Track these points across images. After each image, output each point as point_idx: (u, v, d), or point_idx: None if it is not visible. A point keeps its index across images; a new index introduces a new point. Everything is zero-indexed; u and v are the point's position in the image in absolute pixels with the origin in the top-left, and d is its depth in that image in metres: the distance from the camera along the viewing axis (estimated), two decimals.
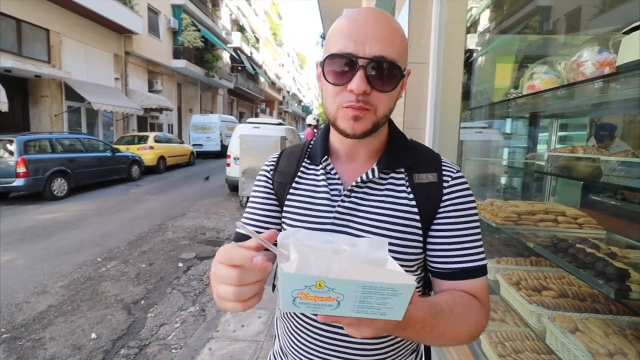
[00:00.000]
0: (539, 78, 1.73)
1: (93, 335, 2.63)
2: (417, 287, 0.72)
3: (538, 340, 1.39)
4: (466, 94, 2.67)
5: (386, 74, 0.59)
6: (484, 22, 3.55)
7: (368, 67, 0.57)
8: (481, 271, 0.63)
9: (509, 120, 3.01)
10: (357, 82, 0.57)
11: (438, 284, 0.65)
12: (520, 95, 1.88)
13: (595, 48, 1.37)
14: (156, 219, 5.91)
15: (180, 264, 4.06)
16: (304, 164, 0.74)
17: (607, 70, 1.31)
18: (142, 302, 3.18)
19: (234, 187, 7.57)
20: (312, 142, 0.77)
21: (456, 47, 2.08)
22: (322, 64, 0.61)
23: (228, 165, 7.50)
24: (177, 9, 17.26)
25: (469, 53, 2.91)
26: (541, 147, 2.48)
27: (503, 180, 2.90)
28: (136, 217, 6.00)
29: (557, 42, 2.85)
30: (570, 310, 1.29)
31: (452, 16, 2.03)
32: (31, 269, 3.77)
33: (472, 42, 3.19)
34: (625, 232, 1.60)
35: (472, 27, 3.40)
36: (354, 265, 0.39)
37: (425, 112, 2.10)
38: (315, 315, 0.41)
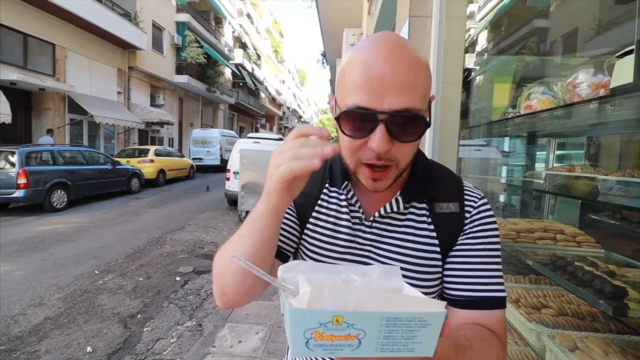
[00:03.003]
0: (536, 98, 1.77)
1: (89, 349, 2.59)
2: None
3: (538, 359, 1.39)
4: (465, 113, 2.73)
5: (409, 125, 0.53)
6: (482, 42, 3.65)
7: (389, 122, 0.52)
8: (499, 303, 0.59)
9: (507, 139, 3.06)
10: (378, 141, 0.52)
11: (454, 313, 0.61)
12: (518, 115, 1.92)
13: (591, 70, 1.42)
14: (155, 232, 5.88)
15: (178, 278, 4.03)
16: (326, 185, 0.70)
17: (602, 92, 1.35)
18: (139, 316, 3.14)
19: (233, 201, 7.56)
20: (332, 162, 0.71)
21: (455, 67, 2.13)
22: (338, 119, 0.56)
23: (228, 179, 7.52)
24: (181, 26, 17.67)
25: (467, 73, 2.99)
26: (539, 166, 2.52)
27: (502, 198, 2.92)
28: (135, 230, 5.97)
29: (554, 63, 2.93)
30: (570, 328, 1.29)
31: (450, 37, 2.09)
32: (28, 281, 3.74)
33: (470, 62, 3.27)
34: (624, 250, 1.62)
35: (471, 47, 3.50)
36: (374, 295, 0.35)
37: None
38: None
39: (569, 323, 1.33)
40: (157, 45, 16.03)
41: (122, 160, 10.18)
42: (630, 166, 2.20)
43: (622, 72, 1.20)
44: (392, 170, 0.56)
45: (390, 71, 0.51)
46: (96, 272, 4.09)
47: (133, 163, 10.54)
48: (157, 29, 16.14)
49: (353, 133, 0.54)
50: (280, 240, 0.66)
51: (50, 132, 10.15)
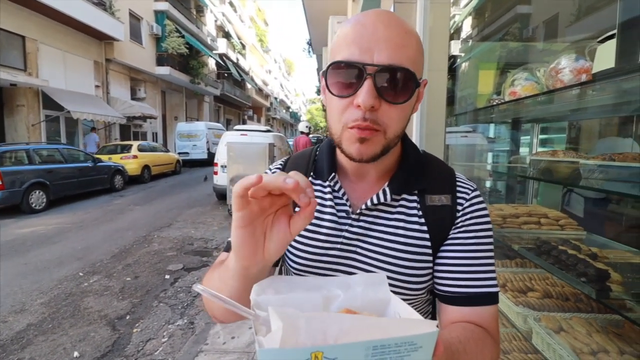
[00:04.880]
0: (520, 84, 1.78)
1: (75, 354, 2.54)
2: (429, 314, 0.67)
3: (525, 341, 1.42)
4: (451, 100, 2.73)
5: (398, 83, 0.52)
6: (467, 29, 3.65)
7: (377, 77, 0.50)
8: (491, 299, 0.57)
9: (492, 125, 3.09)
10: (364, 95, 0.50)
11: (444, 309, 0.60)
12: (502, 101, 1.93)
13: (573, 56, 1.43)
14: (141, 230, 5.77)
15: (167, 276, 3.97)
16: (310, 178, 0.67)
17: (584, 78, 1.36)
18: (128, 317, 3.09)
19: (221, 195, 7.48)
20: (317, 152, 0.70)
21: (440, 54, 2.12)
22: (325, 74, 0.55)
23: (215, 173, 7.41)
24: (160, 15, 17.08)
25: (453, 60, 2.99)
26: (524, 151, 2.56)
27: (488, 184, 2.96)
28: (120, 229, 5.85)
29: (537, 49, 2.95)
30: (555, 310, 1.33)
31: (435, 23, 2.07)
32: (9, 286, 3.62)
33: (456, 49, 3.27)
34: (605, 232, 1.66)
35: (456, 34, 3.49)
36: (357, 322, 0.31)
37: (412, 118, 2.14)
38: None
39: (554, 305, 1.36)
40: (135, 35, 15.47)
41: (104, 157, 9.90)
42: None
43: (604, 57, 1.21)
44: (380, 137, 0.54)
45: (382, 28, 0.51)
46: (80, 274, 3.99)
47: (115, 160, 10.26)
48: (135, 18, 15.56)
49: (339, 91, 0.53)
50: None
51: (94, 130, 11.81)
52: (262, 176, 0.37)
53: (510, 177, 2.58)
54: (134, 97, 15.61)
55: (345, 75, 0.52)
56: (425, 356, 0.32)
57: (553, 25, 3.12)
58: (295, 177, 0.38)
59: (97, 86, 13.19)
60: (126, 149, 11.11)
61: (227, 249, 0.64)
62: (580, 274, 1.10)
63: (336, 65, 0.53)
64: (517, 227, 1.65)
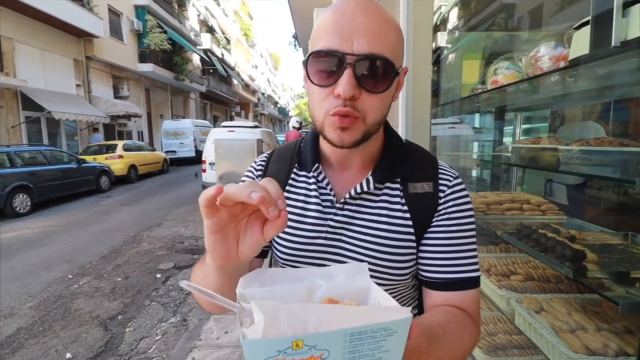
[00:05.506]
0: (502, 73, 1.81)
1: (68, 355, 2.52)
2: (408, 306, 0.68)
3: (510, 323, 1.47)
4: (436, 91, 2.76)
5: (378, 72, 0.52)
6: (453, 19, 3.67)
7: (357, 66, 0.51)
8: (473, 283, 0.59)
9: (477, 115, 3.13)
10: (344, 84, 0.51)
11: (428, 294, 0.62)
12: (485, 90, 1.96)
13: (552, 43, 1.46)
14: (130, 231, 5.70)
15: (159, 275, 3.95)
16: (294, 170, 0.68)
17: (562, 64, 1.39)
18: (120, 317, 3.07)
19: None
20: (302, 144, 0.71)
21: (424, 45, 2.13)
22: (306, 64, 0.55)
23: (204, 171, 7.34)
24: (140, 10, 16.63)
25: (438, 50, 3.01)
26: (508, 140, 2.60)
27: (474, 173, 3.02)
28: (108, 230, 5.76)
29: (521, 39, 2.99)
30: (537, 292, 1.37)
31: (419, 14, 2.08)
32: None
33: (440, 39, 3.29)
34: (584, 215, 1.72)
35: (442, 24, 3.51)
36: (335, 311, 0.33)
37: (397, 109, 2.15)
38: None
39: (536, 287, 1.41)
40: (115, 32, 15.06)
41: (88, 158, 9.71)
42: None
43: (580, 44, 1.24)
44: (359, 124, 0.55)
45: (360, 15, 0.52)
46: (69, 276, 3.94)
47: (100, 160, 10.07)
48: (114, 14, 15.13)
49: (320, 81, 0.54)
50: None
51: (96, 130, 12.09)
52: (222, 187, 0.37)
53: (495, 165, 2.63)
54: (117, 95, 15.25)
55: (325, 64, 0.53)
56: (400, 340, 0.34)
57: (538, 15, 3.16)
58: (263, 191, 0.37)
59: (78, 85, 12.83)
60: (111, 149, 10.90)
61: None
62: (559, 256, 1.15)
63: (316, 55, 0.54)
64: (501, 213, 1.69)
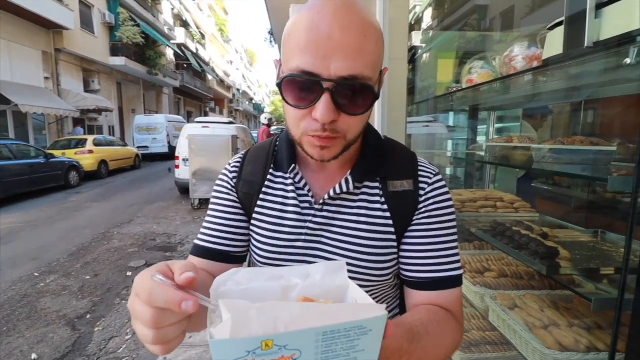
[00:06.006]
0: (476, 72, 1.83)
1: (34, 356, 2.40)
2: (390, 306, 0.66)
3: (483, 319, 1.48)
4: (411, 89, 2.77)
5: (357, 95, 0.50)
6: (427, 19, 3.71)
7: (335, 91, 0.48)
8: (456, 282, 0.58)
9: (452, 114, 3.18)
10: (322, 110, 0.48)
11: (410, 293, 0.61)
12: (460, 89, 1.98)
13: (525, 43, 1.47)
14: (100, 228, 5.47)
15: (129, 273, 3.80)
16: (271, 170, 0.66)
17: (535, 64, 1.41)
18: (88, 316, 2.95)
19: (184, 189, 7.21)
20: (277, 144, 0.68)
21: (401, 43, 2.13)
22: (280, 86, 0.51)
23: (177, 167, 7.13)
24: (112, 3, 15.95)
25: (413, 50, 3.02)
26: (481, 139, 2.65)
27: (449, 170, 3.06)
28: (77, 227, 5.51)
29: (494, 39, 3.05)
30: (510, 288, 1.39)
31: (395, 14, 2.08)
32: None
33: (416, 39, 3.31)
34: (556, 213, 1.76)
35: (416, 24, 3.53)
36: (307, 309, 0.32)
37: (373, 107, 2.14)
38: None
39: (509, 283, 1.43)
40: (86, 24, 14.36)
41: (57, 153, 9.24)
42: (562, 134, 2.40)
43: (553, 44, 1.25)
44: (339, 141, 0.53)
45: (338, 31, 0.46)
46: (36, 274, 3.74)
47: (69, 155, 9.59)
48: (85, 5, 14.43)
49: (296, 103, 0.51)
50: (230, 246, 0.64)
51: (78, 124, 12.23)
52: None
53: (469, 164, 2.67)
54: (87, 89, 14.61)
55: (301, 87, 0.49)
56: (376, 339, 0.33)
57: (509, 17, 3.24)
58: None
59: (46, 78, 12.18)
60: (81, 143, 10.42)
61: (193, 252, 0.64)
62: (532, 253, 1.16)
63: (291, 79, 0.50)
64: (475, 211, 1.71)
